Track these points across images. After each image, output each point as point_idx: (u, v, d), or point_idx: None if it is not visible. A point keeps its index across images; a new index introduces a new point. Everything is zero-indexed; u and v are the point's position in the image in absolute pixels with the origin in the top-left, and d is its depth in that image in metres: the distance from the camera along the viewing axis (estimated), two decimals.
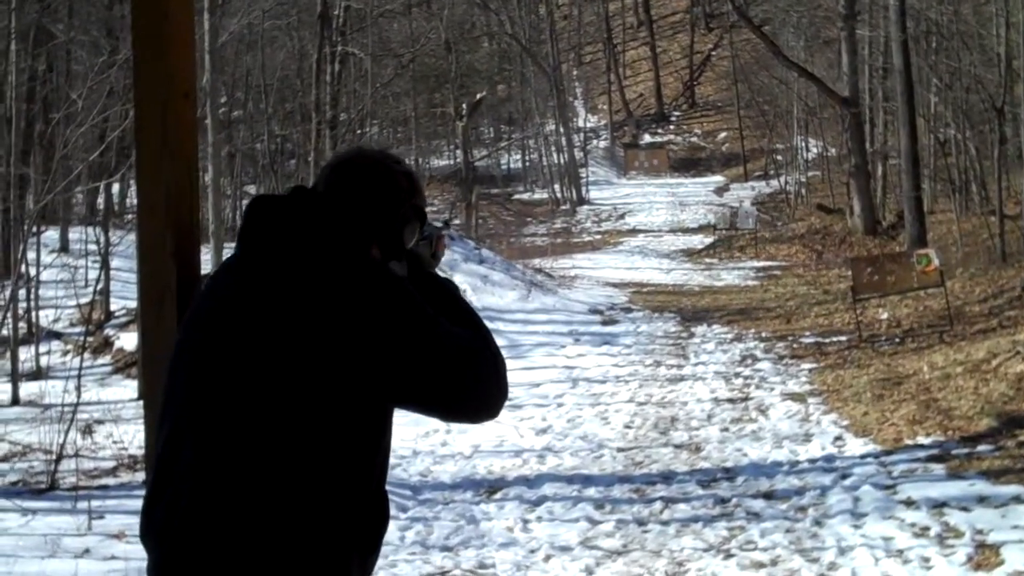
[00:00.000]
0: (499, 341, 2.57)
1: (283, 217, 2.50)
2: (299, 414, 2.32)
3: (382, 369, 2.35)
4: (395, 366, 2.36)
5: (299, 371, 2.33)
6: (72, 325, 17.70)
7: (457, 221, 33.09)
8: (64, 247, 22.32)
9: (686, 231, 37.28)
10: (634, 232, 38.09)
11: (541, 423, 11.49)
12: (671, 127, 60.10)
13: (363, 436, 2.40)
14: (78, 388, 11.53)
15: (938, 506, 7.86)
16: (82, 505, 9.14)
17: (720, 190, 47.22)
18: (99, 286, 17.32)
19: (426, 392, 2.41)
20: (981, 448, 9.31)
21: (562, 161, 46.39)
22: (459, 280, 19.24)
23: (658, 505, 8.42)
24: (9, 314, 13.65)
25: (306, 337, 2.34)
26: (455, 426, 11.04)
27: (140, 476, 9.49)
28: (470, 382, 2.44)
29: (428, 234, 2.76)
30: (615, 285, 23.61)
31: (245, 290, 2.44)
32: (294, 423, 2.32)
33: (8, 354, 14.26)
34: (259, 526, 2.31)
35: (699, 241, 34.23)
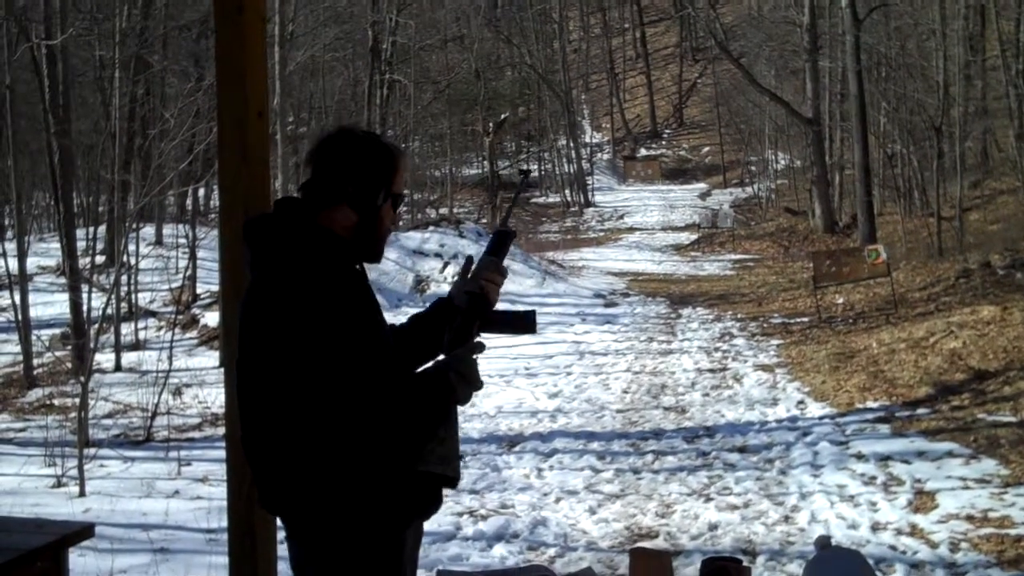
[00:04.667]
0: None
1: (254, 233, 2.45)
2: (294, 392, 2.30)
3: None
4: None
5: (272, 361, 2.32)
6: (165, 305, 17.76)
7: (484, 221, 32.99)
8: (159, 240, 22.38)
9: (675, 229, 37.09)
10: (631, 230, 37.92)
11: (553, 388, 11.49)
12: (663, 142, 59.84)
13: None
14: (170, 357, 11.60)
15: (884, 459, 7.86)
16: (172, 454, 9.22)
17: (703, 195, 46.98)
18: (187, 273, 17.39)
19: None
20: (920, 411, 9.29)
21: (571, 170, 46.32)
22: None
23: (650, 457, 8.43)
24: (113, 296, 13.73)
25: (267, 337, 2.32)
26: (481, 391, 11.04)
27: (221, 431, 9.55)
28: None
29: (472, 346, 2.60)
30: (615, 274, 23.55)
31: (247, 292, 2.44)
32: (300, 400, 2.30)
33: (112, 329, 14.34)
34: (323, 482, 2.35)
35: (686, 238, 34.06)
